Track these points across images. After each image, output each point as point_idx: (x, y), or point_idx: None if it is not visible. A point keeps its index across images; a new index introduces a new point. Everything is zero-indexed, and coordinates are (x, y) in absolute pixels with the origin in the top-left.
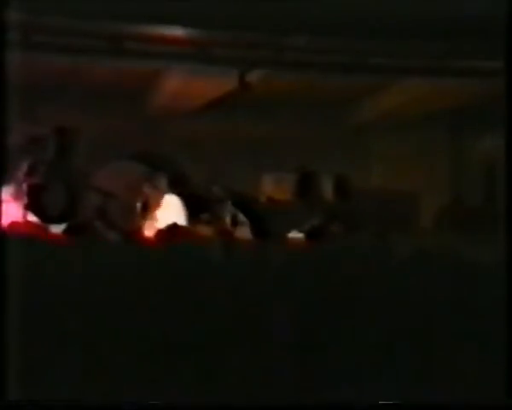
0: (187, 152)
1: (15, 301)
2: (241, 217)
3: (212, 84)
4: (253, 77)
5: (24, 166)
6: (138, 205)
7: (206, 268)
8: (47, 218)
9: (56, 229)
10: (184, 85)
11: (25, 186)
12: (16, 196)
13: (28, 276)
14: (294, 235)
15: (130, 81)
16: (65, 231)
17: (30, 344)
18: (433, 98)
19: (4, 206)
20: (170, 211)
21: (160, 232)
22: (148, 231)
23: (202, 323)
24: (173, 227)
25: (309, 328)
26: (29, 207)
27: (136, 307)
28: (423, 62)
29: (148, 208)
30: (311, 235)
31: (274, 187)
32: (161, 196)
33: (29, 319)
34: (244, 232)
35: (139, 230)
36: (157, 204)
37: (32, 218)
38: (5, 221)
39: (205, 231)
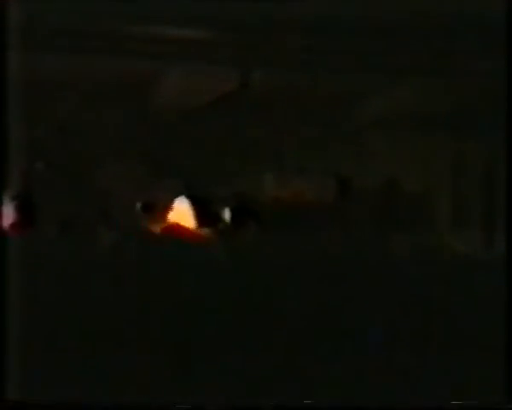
0: (187, 152)
1: (15, 301)
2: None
3: (212, 84)
4: (254, 77)
5: (25, 168)
6: (138, 205)
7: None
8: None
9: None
10: (184, 85)
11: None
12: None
13: (28, 276)
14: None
15: (130, 81)
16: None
17: (30, 344)
18: (432, 98)
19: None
20: (180, 213)
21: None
22: (151, 231)
23: (200, 323)
24: (172, 226)
25: (305, 328)
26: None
27: (135, 306)
28: (423, 62)
29: (152, 209)
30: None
31: (275, 187)
32: (170, 199)
33: (29, 319)
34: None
35: (140, 229)
36: (165, 206)
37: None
38: (5, 223)
39: (206, 231)
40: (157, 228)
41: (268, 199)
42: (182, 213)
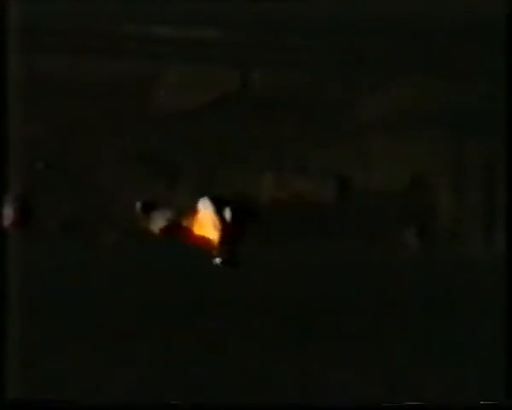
0: (187, 152)
1: (15, 301)
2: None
3: (212, 84)
4: (254, 77)
5: (25, 168)
6: (138, 204)
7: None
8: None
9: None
10: (184, 85)
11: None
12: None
13: (28, 276)
14: None
15: (130, 81)
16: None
17: (30, 343)
18: (432, 98)
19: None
20: (205, 215)
21: (161, 231)
22: (153, 231)
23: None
24: (174, 226)
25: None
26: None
27: (135, 306)
28: (423, 62)
29: (152, 209)
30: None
31: (275, 187)
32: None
33: (29, 319)
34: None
35: (140, 229)
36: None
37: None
38: (6, 223)
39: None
40: (156, 228)
41: (268, 199)
42: (207, 220)
